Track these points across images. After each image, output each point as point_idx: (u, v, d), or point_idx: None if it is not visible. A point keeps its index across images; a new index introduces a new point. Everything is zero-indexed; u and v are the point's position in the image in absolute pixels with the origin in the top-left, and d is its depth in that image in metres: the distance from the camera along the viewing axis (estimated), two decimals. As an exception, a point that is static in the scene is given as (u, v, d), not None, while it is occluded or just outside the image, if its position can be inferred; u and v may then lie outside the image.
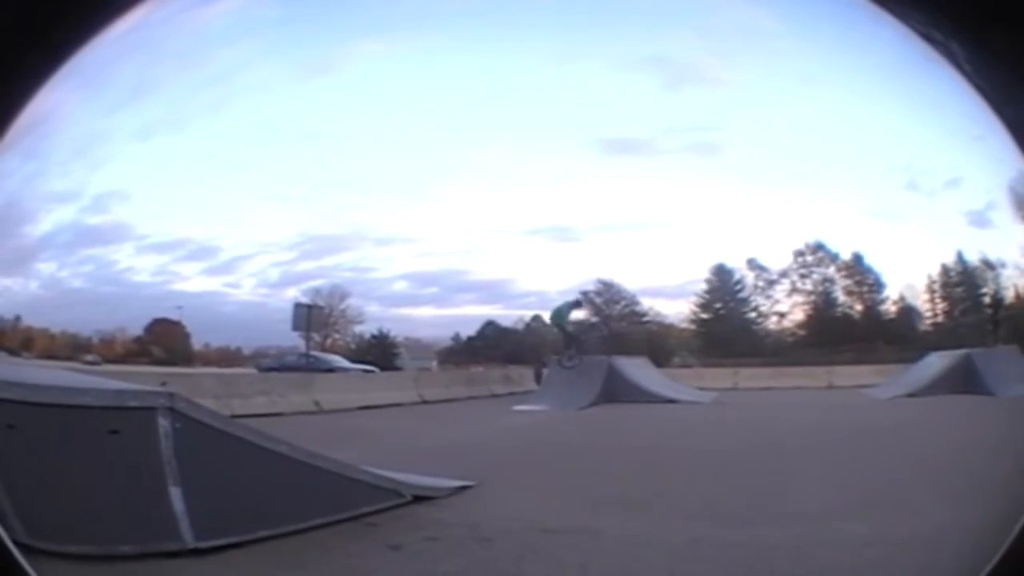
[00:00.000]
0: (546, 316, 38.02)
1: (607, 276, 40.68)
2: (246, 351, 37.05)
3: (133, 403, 7.31)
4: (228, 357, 36.52)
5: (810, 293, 40.22)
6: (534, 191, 40.22)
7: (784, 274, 40.36)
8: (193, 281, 36.29)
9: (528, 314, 42.09)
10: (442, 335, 41.98)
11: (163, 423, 7.16)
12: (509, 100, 35.96)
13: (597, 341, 32.59)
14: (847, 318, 39.37)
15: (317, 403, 22.63)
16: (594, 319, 37.41)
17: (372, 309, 39.82)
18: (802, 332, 40.22)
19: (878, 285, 38.99)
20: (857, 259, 39.10)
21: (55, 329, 32.58)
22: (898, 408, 22.14)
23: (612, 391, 25.80)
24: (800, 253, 39.93)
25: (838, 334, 37.08)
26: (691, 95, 35.41)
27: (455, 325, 41.83)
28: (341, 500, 8.16)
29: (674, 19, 28.78)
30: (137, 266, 33.56)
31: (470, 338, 41.57)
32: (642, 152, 40.81)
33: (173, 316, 35.15)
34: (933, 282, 36.48)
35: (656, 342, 39.76)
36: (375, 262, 43.13)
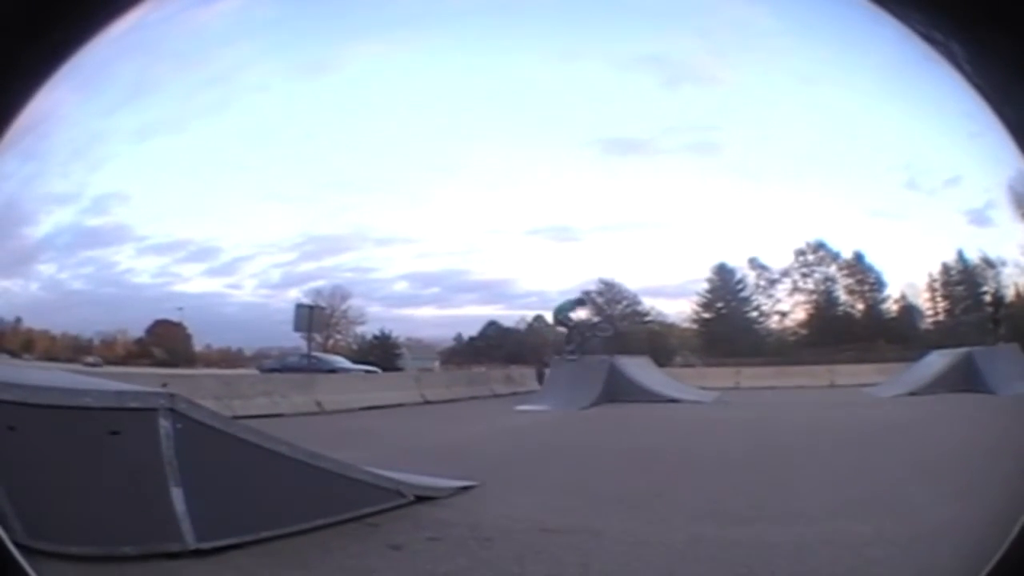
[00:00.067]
0: (548, 316, 38.16)
1: (608, 276, 40.73)
2: (248, 352, 37.07)
3: (134, 404, 7.32)
4: (230, 358, 36.53)
5: (811, 292, 40.27)
6: (534, 191, 40.26)
7: (785, 273, 40.40)
8: (194, 282, 36.35)
9: (530, 314, 42.16)
10: (444, 335, 42.03)
11: (164, 424, 7.16)
12: (508, 100, 36.02)
13: (600, 340, 32.55)
14: (848, 317, 39.39)
15: (319, 404, 22.64)
16: (596, 318, 37.36)
17: (374, 310, 39.87)
18: (804, 331, 40.23)
19: (879, 284, 39.05)
20: (858, 258, 39.17)
21: (56, 331, 32.62)
22: (899, 407, 22.12)
23: (614, 391, 25.80)
24: (801, 252, 39.98)
25: (839, 333, 37.09)
26: (691, 94, 35.47)
27: (457, 325, 41.87)
28: (342, 500, 8.16)
29: (673, 18, 28.76)
30: (138, 267, 33.60)
31: (472, 338, 41.60)
32: (642, 151, 40.80)
33: (174, 317, 35.20)
34: (934, 281, 36.52)
35: (658, 342, 39.76)
36: (376, 262, 43.25)
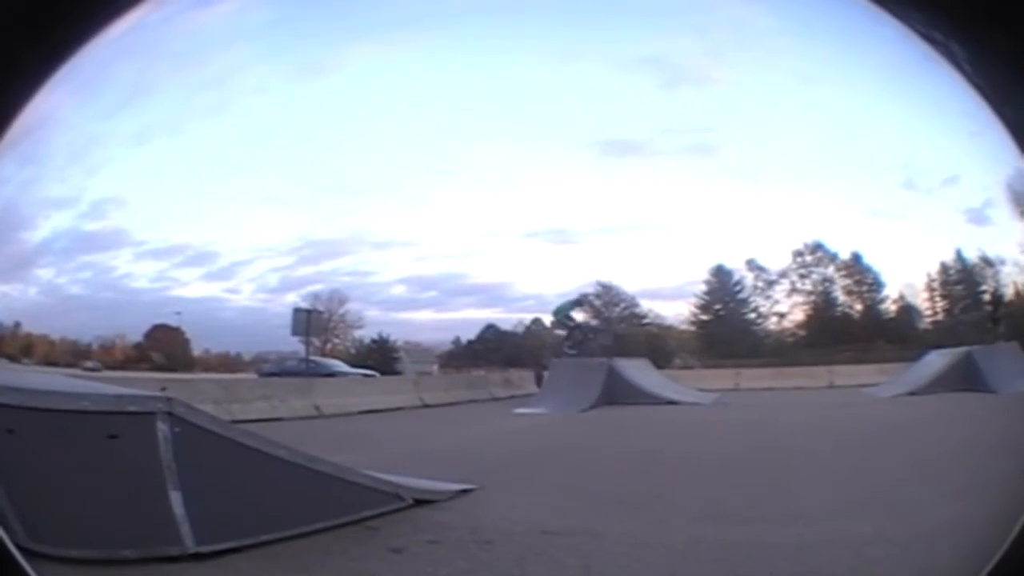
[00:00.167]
0: (546, 319, 38.21)
1: (606, 278, 40.67)
2: (246, 356, 37.03)
3: (132, 408, 7.32)
4: (228, 362, 36.49)
5: (810, 293, 40.21)
6: (532, 193, 40.10)
7: (783, 274, 40.32)
8: (192, 287, 36.23)
9: (528, 317, 42.06)
10: (442, 339, 41.95)
11: (162, 428, 7.17)
12: (506, 102, 35.90)
13: (599, 345, 32.61)
14: (847, 318, 39.36)
15: (317, 408, 22.61)
16: (594, 321, 37.36)
17: (372, 313, 39.76)
18: (802, 332, 40.19)
19: (877, 284, 39.01)
20: (856, 258, 39.12)
21: (55, 335, 32.56)
22: (899, 407, 22.10)
23: (613, 393, 25.76)
24: (799, 253, 39.92)
25: (838, 334, 37.07)
26: (688, 95, 35.29)
27: (455, 329, 41.77)
28: (341, 504, 8.17)
29: (670, 18, 28.65)
30: (136, 272, 33.52)
31: (470, 342, 41.55)
32: (640, 153, 40.66)
33: (172, 322, 35.14)
34: (932, 280, 36.47)
35: (656, 344, 39.71)
36: (374, 266, 43.03)
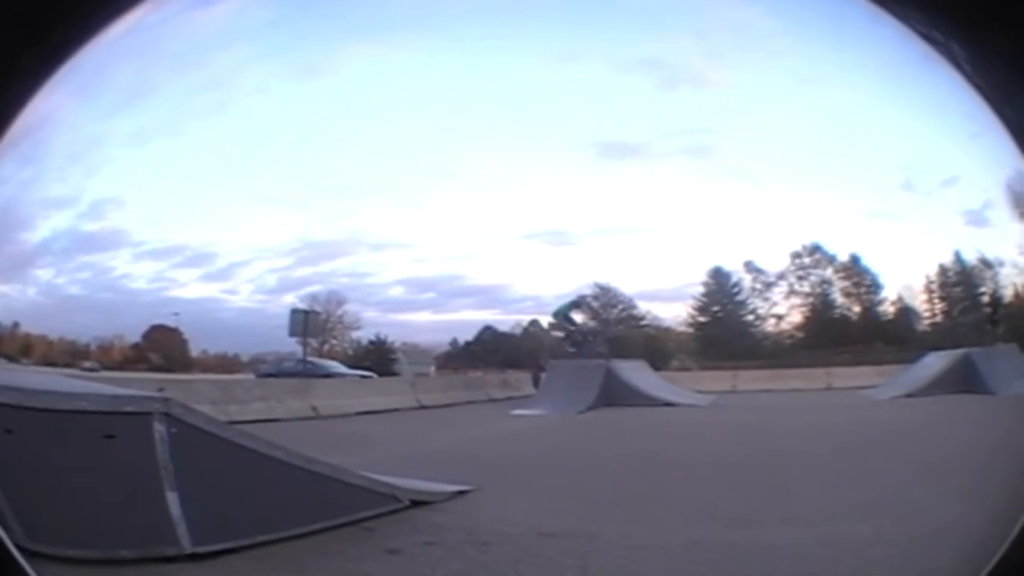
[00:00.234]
0: (544, 321, 38.30)
1: (604, 280, 40.66)
2: (244, 357, 37.02)
3: (129, 408, 7.32)
4: (226, 363, 36.48)
5: (808, 295, 40.21)
6: (530, 195, 40.10)
7: (781, 276, 40.32)
8: (190, 287, 36.22)
9: (526, 319, 42.09)
10: (440, 340, 41.97)
11: (159, 428, 7.17)
12: (504, 103, 35.90)
13: (597, 347, 32.67)
14: (845, 319, 39.36)
15: (315, 409, 22.60)
16: (591, 323, 37.38)
17: (369, 314, 39.77)
18: (800, 334, 40.19)
19: (876, 286, 39.01)
20: (854, 260, 39.13)
21: (53, 335, 32.58)
22: (897, 409, 22.12)
23: (610, 395, 25.80)
24: (797, 255, 39.92)
25: (836, 335, 37.09)
26: (686, 97, 35.31)
27: (453, 330, 41.78)
28: (338, 505, 8.16)
29: (669, 20, 28.69)
30: (134, 273, 33.55)
31: (468, 343, 41.56)
32: (638, 155, 40.70)
33: (171, 323, 35.15)
34: (931, 282, 36.48)
35: (654, 345, 39.69)
36: (372, 267, 43.00)
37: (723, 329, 41.12)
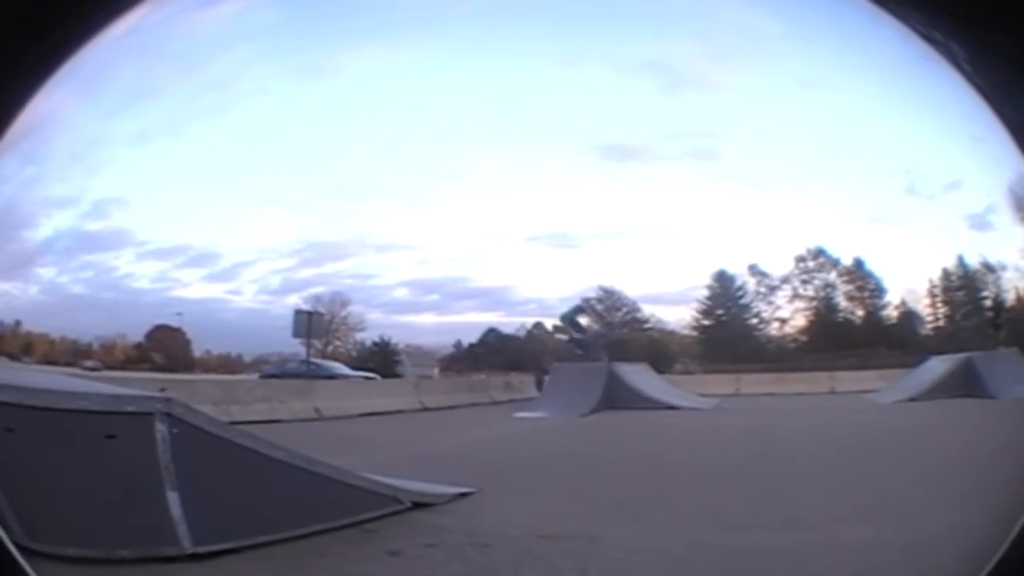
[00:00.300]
0: (547, 323, 38.34)
1: (608, 283, 40.63)
2: (247, 358, 37.01)
3: (130, 408, 7.32)
4: (229, 364, 36.47)
5: (811, 299, 40.15)
6: (534, 197, 40.04)
7: (785, 280, 40.26)
8: (194, 288, 36.22)
9: (529, 321, 42.07)
10: (444, 342, 41.93)
11: (160, 428, 7.17)
12: (507, 106, 35.88)
13: (600, 349, 32.70)
14: (849, 323, 39.31)
15: (318, 410, 22.60)
16: (595, 326, 37.41)
17: (373, 316, 39.73)
18: (804, 338, 40.14)
19: (879, 290, 38.97)
20: (858, 264, 39.10)
21: (55, 335, 32.57)
22: (899, 413, 22.10)
23: (613, 398, 25.78)
24: (801, 259, 39.87)
25: (840, 339, 37.05)
26: (690, 100, 35.31)
27: (457, 332, 41.71)
28: (340, 506, 8.16)
29: (672, 23, 28.64)
30: (137, 272, 33.53)
31: (472, 345, 41.52)
32: (642, 158, 40.67)
33: (174, 323, 35.15)
34: (934, 286, 36.43)
35: (658, 348, 39.66)
36: (376, 269, 43.02)
37: (727, 332, 41.07)
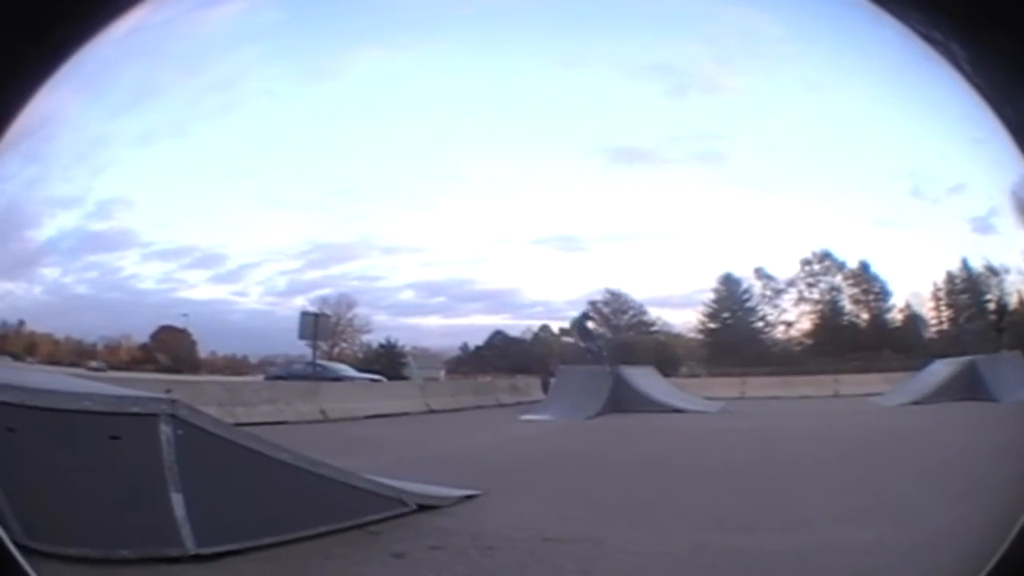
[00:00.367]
0: (554, 326, 38.42)
1: (614, 286, 40.61)
2: (253, 360, 36.98)
3: (134, 409, 7.33)
4: (235, 365, 36.48)
5: (817, 302, 40.08)
6: (540, 200, 39.99)
7: (791, 283, 40.19)
8: (199, 289, 36.19)
9: (536, 324, 42.05)
10: (450, 344, 41.89)
11: (165, 429, 7.18)
12: (514, 108, 35.82)
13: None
14: (854, 327, 39.23)
15: (323, 412, 22.60)
16: (601, 329, 37.43)
17: (379, 318, 39.69)
18: (809, 341, 40.08)
19: (884, 293, 38.89)
20: (864, 267, 39.04)
21: (59, 335, 32.56)
22: (903, 416, 22.10)
23: (619, 401, 25.72)
24: (807, 262, 39.81)
25: (845, 343, 36.99)
26: (696, 103, 35.24)
27: (463, 335, 41.66)
28: (344, 508, 8.16)
29: (678, 25, 28.63)
30: (142, 273, 33.51)
31: (478, 347, 41.51)
32: (648, 161, 40.59)
33: (179, 324, 35.14)
34: (938, 289, 36.39)
35: (664, 351, 39.64)
36: (382, 271, 42.95)
37: (733, 335, 41.03)
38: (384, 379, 31.85)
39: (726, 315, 41.84)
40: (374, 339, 40.05)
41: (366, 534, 8.03)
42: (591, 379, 27.05)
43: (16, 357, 26.96)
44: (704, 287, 41.72)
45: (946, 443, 14.75)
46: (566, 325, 36.45)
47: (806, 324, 40.80)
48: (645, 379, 28.54)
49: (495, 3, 29.60)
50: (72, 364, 29.27)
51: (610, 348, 34.13)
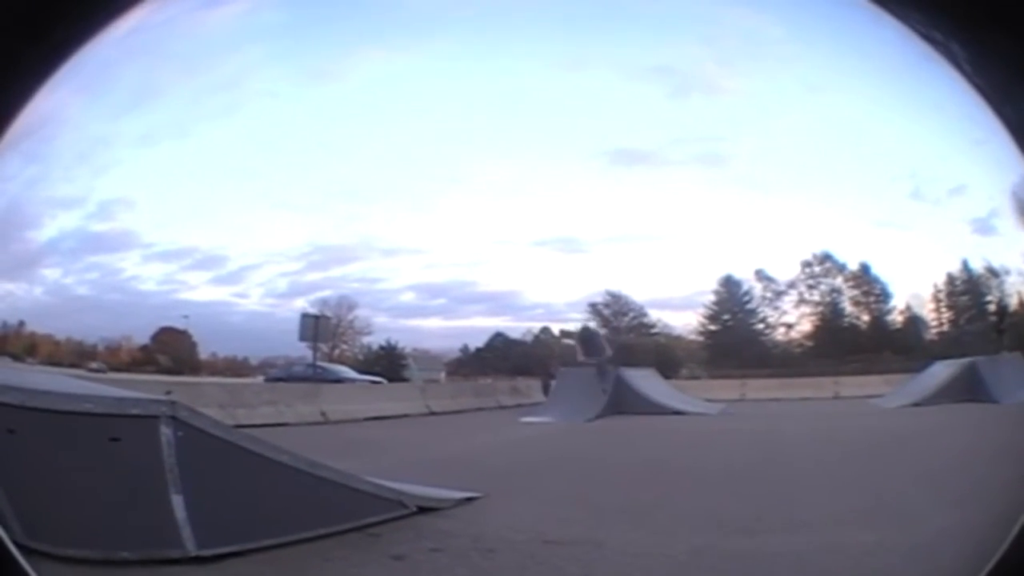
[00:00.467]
0: (554, 328, 38.46)
1: (615, 287, 40.61)
2: (253, 361, 36.95)
3: (135, 411, 7.33)
4: (235, 367, 36.46)
5: (817, 304, 40.01)
6: (540, 202, 39.96)
7: (792, 285, 40.13)
8: (200, 290, 36.15)
9: (536, 326, 42.02)
10: (451, 346, 41.83)
11: (165, 431, 7.18)
12: (515, 110, 35.78)
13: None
14: (854, 328, 39.18)
15: (324, 414, 22.59)
16: (603, 330, 37.45)
17: (380, 320, 39.64)
18: (809, 343, 40.03)
19: (885, 295, 38.84)
20: (864, 269, 39.00)
21: (60, 336, 32.52)
22: (903, 418, 22.12)
23: (619, 403, 25.70)
24: (808, 264, 39.76)
25: (845, 344, 36.95)
26: (697, 104, 35.20)
27: (464, 336, 41.59)
28: (344, 510, 8.15)
29: (679, 27, 28.63)
30: (143, 274, 33.45)
31: (478, 349, 41.47)
32: (649, 162, 40.55)
33: (180, 325, 35.11)
34: (938, 291, 36.35)
35: (664, 353, 39.61)
36: (383, 273, 42.84)
37: (733, 337, 40.99)
38: (384, 381, 31.82)
39: (726, 317, 41.80)
40: (374, 341, 39.99)
41: (366, 536, 8.02)
42: (592, 381, 27.05)
43: (16, 358, 26.94)
44: (705, 289, 41.66)
45: (946, 445, 14.76)
46: (567, 327, 36.53)
47: (806, 326, 40.76)
48: (645, 381, 28.52)
49: (496, 5, 29.56)
50: (72, 365, 29.22)
51: (612, 361, 34.24)
